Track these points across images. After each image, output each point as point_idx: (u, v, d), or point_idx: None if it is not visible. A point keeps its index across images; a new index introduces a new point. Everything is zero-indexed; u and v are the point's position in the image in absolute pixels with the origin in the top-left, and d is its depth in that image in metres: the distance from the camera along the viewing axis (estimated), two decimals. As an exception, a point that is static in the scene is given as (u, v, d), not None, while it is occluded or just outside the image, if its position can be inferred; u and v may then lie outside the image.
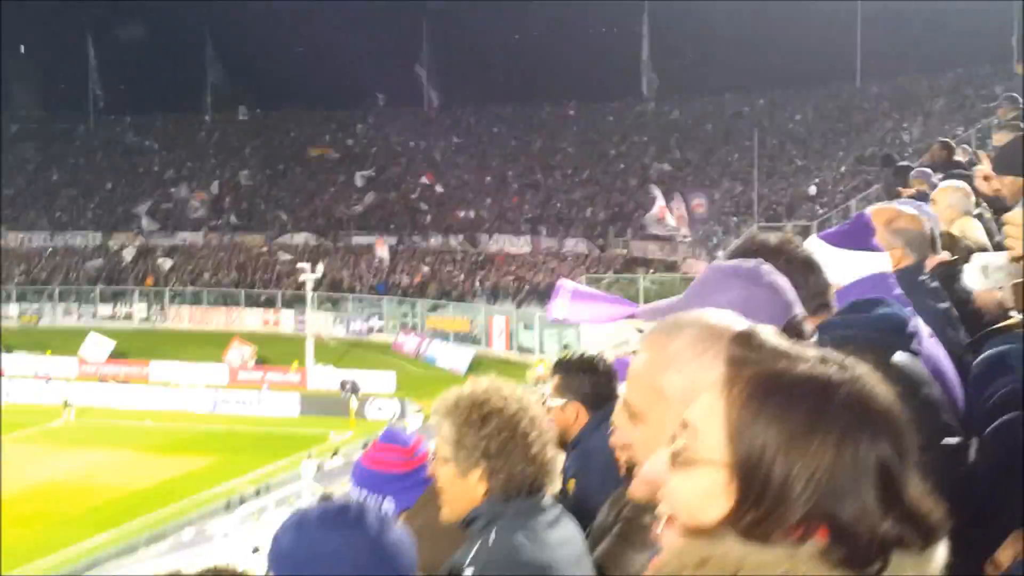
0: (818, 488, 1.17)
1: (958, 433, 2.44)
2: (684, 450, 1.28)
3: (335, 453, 36.25)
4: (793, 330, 2.11)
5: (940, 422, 2.41)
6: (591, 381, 4.25)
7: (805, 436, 1.19)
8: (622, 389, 3.82)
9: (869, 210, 3.93)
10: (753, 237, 2.75)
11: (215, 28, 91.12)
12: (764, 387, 1.24)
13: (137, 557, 28.55)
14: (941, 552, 1.23)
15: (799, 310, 2.23)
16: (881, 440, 1.21)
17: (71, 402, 44.66)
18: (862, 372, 1.26)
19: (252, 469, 35.95)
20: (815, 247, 2.97)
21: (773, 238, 2.71)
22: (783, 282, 2.26)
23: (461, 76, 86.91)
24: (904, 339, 2.53)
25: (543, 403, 4.24)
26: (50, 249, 71.85)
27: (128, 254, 67.97)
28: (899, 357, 2.43)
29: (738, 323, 1.71)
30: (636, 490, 1.82)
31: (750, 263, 2.30)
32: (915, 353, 2.52)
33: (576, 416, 4.20)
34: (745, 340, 1.34)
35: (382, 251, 61.55)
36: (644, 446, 1.74)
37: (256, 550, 21.93)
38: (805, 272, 2.62)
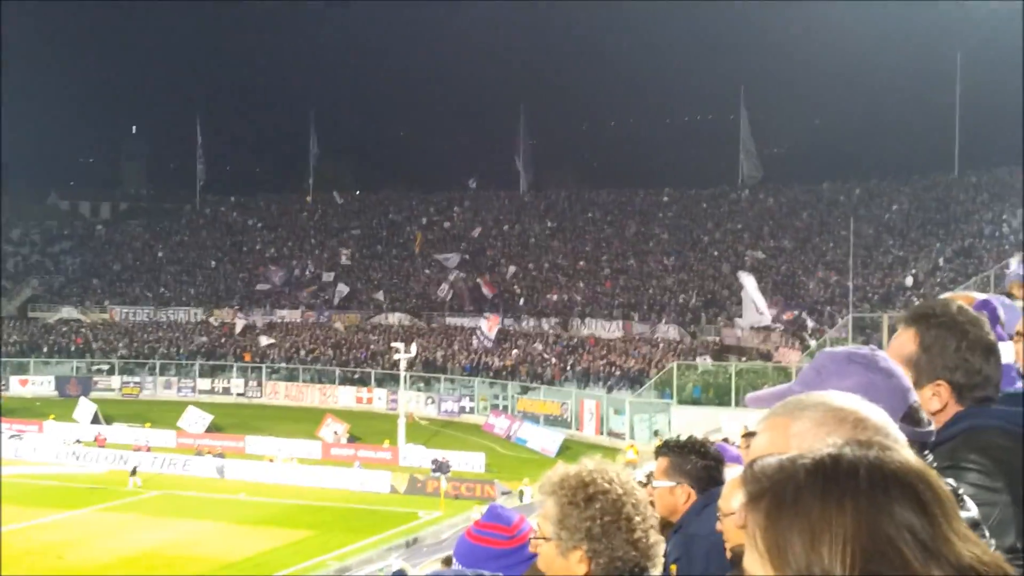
0: (855, 558, 1.22)
1: None
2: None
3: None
4: (911, 416, 2.16)
5: None
6: (702, 464, 4.22)
7: (822, 518, 1.24)
8: (728, 474, 4.02)
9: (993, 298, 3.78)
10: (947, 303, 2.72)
11: (318, 113, 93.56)
12: (776, 499, 1.30)
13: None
14: None
15: (915, 396, 2.24)
16: (903, 501, 1.25)
17: (139, 470, 45.82)
18: (879, 446, 1.33)
19: (343, 546, 36.23)
20: None
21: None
22: (898, 368, 2.27)
23: (556, 161, 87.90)
24: None
25: (645, 485, 4.35)
26: (153, 323, 73.69)
27: (229, 330, 69.47)
28: None
29: (863, 406, 1.76)
30: None
31: (864, 349, 2.30)
32: None
33: (686, 498, 4.17)
34: (751, 473, 1.39)
35: (487, 331, 61.54)
36: None
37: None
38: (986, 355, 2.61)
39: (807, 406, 1.77)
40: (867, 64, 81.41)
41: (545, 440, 49.55)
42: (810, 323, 53.31)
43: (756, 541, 1.31)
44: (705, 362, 52.06)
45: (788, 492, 1.29)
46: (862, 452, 1.31)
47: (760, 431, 1.82)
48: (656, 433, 45.77)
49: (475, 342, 61.66)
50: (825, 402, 1.77)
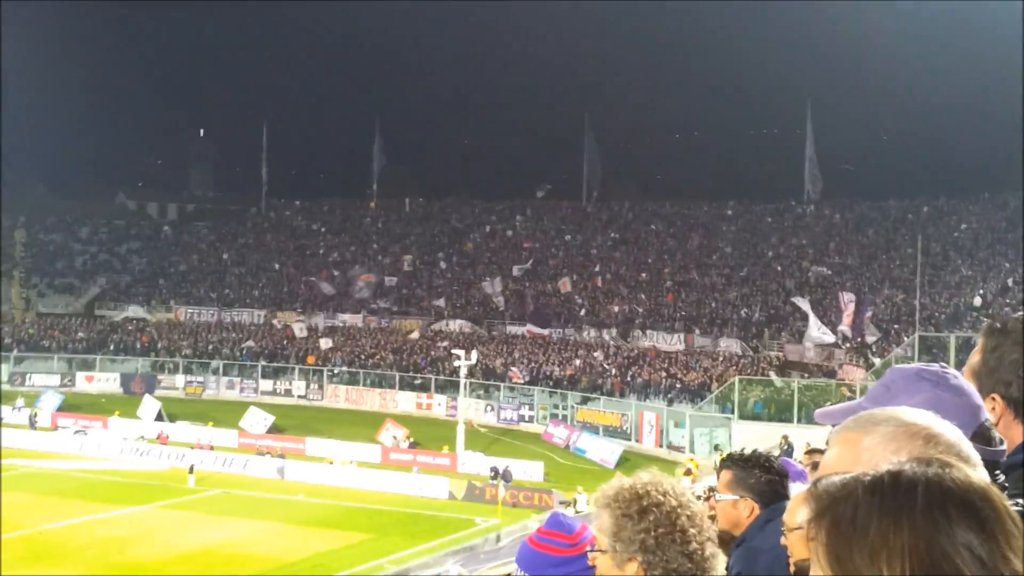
0: (912, 574, 1.25)
1: None
2: None
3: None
4: (982, 435, 2.14)
5: None
6: (766, 478, 4.19)
7: (879, 535, 1.29)
8: (793, 489, 3.98)
9: None
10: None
11: (383, 119, 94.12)
12: (837, 517, 1.35)
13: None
14: None
15: (987, 415, 2.24)
16: (961, 518, 1.28)
17: (201, 468, 46.56)
18: (939, 463, 1.36)
19: (401, 549, 36.36)
20: None
21: None
22: (969, 386, 2.26)
23: (620, 172, 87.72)
24: None
25: (707, 498, 4.31)
26: (217, 324, 74.56)
27: (293, 332, 70.06)
28: None
29: (935, 422, 1.75)
30: None
31: (935, 366, 2.30)
32: None
33: (750, 512, 4.14)
34: (814, 491, 1.43)
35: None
36: None
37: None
38: None
39: (879, 421, 1.77)
40: (936, 80, 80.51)
41: (604, 451, 49.43)
42: (871, 339, 52.75)
43: (819, 557, 1.35)
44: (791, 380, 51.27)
45: (848, 510, 1.34)
46: (922, 469, 1.34)
47: (831, 445, 1.83)
48: (716, 447, 45.48)
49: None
50: (897, 417, 1.77)
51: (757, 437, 40.90)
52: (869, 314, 53.57)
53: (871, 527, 1.29)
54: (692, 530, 2.64)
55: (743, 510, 4.15)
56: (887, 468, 1.36)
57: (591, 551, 2.79)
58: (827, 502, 1.37)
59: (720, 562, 2.71)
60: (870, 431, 1.75)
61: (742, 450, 4.46)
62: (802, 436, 34.60)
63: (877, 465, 1.52)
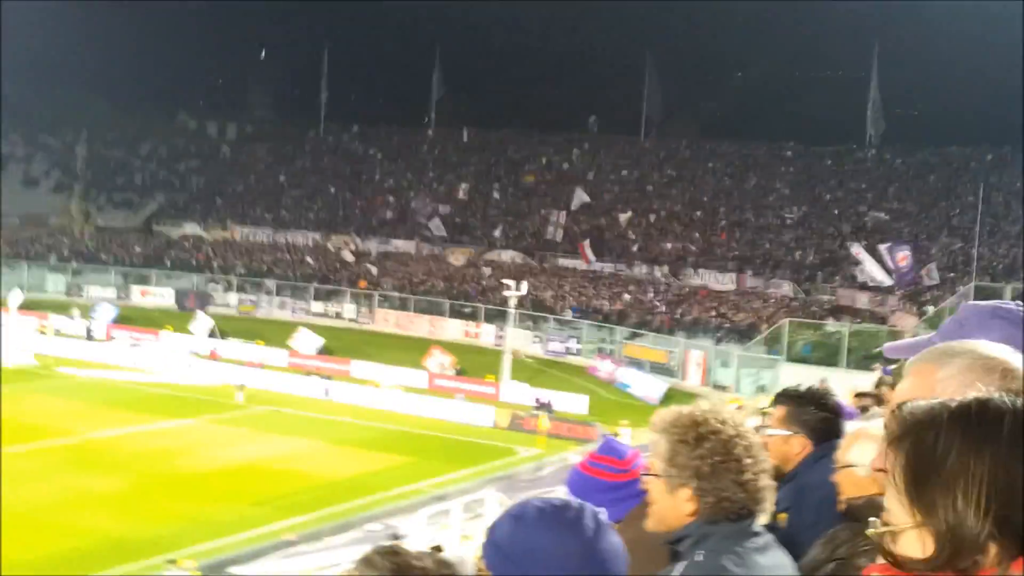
0: (988, 502, 1.26)
1: None
2: (889, 525, 1.39)
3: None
4: None
5: None
6: (820, 415, 4.13)
7: (960, 462, 1.28)
8: (848, 427, 3.95)
9: None
10: None
11: (444, 46, 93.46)
12: (918, 441, 1.35)
13: (323, 544, 29.52)
14: None
15: None
16: None
17: (249, 386, 47.08)
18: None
19: (441, 474, 36.77)
20: None
21: None
22: None
23: (679, 109, 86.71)
24: None
25: (760, 431, 4.29)
26: (271, 244, 75.24)
27: (345, 256, 70.53)
28: None
29: (1012, 357, 1.75)
30: None
31: (1010, 304, 2.29)
32: None
33: (801, 449, 4.09)
34: (898, 414, 1.42)
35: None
36: None
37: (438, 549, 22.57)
38: None
39: (956, 353, 1.77)
40: (1006, 25, 78.56)
41: (648, 387, 49.42)
42: (928, 280, 52.13)
43: (895, 479, 1.35)
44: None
45: (930, 435, 1.33)
46: (1010, 399, 1.33)
47: (905, 375, 1.85)
48: (762, 388, 45.33)
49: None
50: (975, 350, 1.76)
51: (804, 380, 40.73)
52: (903, 255, 52.68)
53: (953, 454, 1.29)
54: (748, 460, 2.65)
55: (795, 446, 4.10)
56: (975, 396, 1.35)
57: (645, 475, 2.81)
58: (911, 425, 1.37)
59: (772, 495, 2.71)
60: (946, 363, 1.76)
61: (797, 386, 4.40)
62: (849, 381, 34.40)
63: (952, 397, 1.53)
